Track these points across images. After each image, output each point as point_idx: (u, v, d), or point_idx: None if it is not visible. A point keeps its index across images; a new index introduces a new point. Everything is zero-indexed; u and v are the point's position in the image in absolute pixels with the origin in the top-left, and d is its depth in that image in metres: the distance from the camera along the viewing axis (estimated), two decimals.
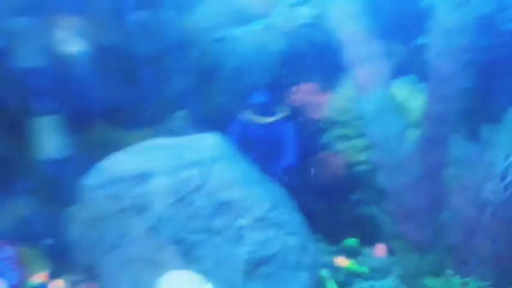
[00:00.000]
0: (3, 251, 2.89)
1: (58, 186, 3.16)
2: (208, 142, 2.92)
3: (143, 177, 2.75)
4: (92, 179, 2.86)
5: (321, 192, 3.87)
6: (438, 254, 2.64)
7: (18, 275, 2.86)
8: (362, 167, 3.78)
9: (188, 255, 2.60)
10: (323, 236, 3.66)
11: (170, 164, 2.77)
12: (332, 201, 3.87)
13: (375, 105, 2.72)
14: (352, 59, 2.85)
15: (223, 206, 2.70)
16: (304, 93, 4.07)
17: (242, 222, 2.67)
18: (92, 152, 3.15)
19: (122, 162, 2.84)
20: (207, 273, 2.41)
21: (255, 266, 2.60)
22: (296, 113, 4.05)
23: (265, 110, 3.71)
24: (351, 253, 3.45)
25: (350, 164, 3.89)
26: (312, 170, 3.88)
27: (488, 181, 2.36)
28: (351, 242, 3.49)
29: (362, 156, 3.78)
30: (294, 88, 4.09)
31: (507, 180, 2.32)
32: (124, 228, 2.68)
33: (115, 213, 2.71)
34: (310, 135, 3.99)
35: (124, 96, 3.64)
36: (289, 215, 2.83)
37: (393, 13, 3.86)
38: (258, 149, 3.71)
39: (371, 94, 2.75)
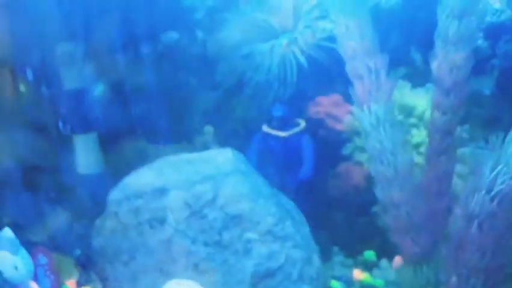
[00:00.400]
0: (39, 258, 3.16)
1: (91, 200, 3.44)
2: (222, 157, 3.08)
3: (161, 191, 2.96)
4: (116, 194, 3.11)
5: (341, 204, 3.93)
6: (433, 267, 2.66)
7: (51, 281, 3.13)
8: None
9: (199, 268, 2.77)
10: (341, 248, 3.73)
11: (185, 178, 2.97)
12: (351, 213, 3.91)
13: (373, 118, 2.78)
14: (352, 72, 2.93)
15: (233, 220, 2.86)
16: (326, 105, 4.14)
17: (250, 235, 2.81)
18: (124, 168, 3.40)
19: (143, 178, 3.07)
20: (215, 286, 2.57)
21: (261, 279, 2.73)
22: (318, 125, 4.12)
23: (284, 124, 3.81)
24: (368, 266, 3.50)
25: (370, 175, 3.92)
26: (332, 181, 3.93)
27: (476, 192, 2.36)
28: (369, 254, 3.53)
29: None
30: (316, 100, 4.17)
31: (493, 192, 2.31)
32: (142, 240, 2.90)
33: (134, 226, 2.93)
34: (332, 146, 4.05)
35: (153, 114, 3.88)
36: (295, 229, 2.93)
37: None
38: (277, 162, 3.82)
39: (369, 108, 2.81)
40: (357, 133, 3.87)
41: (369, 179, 3.84)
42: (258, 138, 3.86)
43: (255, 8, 4.32)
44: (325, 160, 3.99)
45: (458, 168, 3.25)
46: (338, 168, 3.92)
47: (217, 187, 2.90)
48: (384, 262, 3.46)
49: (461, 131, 3.91)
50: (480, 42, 3.98)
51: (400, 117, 3.91)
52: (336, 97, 4.10)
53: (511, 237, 2.36)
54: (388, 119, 2.82)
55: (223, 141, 4.11)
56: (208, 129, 4.14)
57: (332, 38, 4.17)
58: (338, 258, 3.59)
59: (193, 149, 3.91)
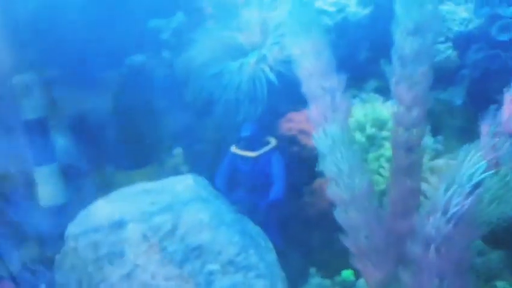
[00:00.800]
0: None
1: (54, 234, 3.37)
2: (182, 185, 3.00)
3: (118, 225, 2.88)
4: (74, 228, 3.02)
5: (317, 222, 3.86)
6: None
7: None
8: None
9: None
10: (318, 269, 3.66)
11: (143, 210, 2.88)
12: (328, 231, 3.84)
13: (328, 141, 2.72)
14: (307, 94, 2.87)
15: (194, 251, 2.78)
16: (298, 121, 4.08)
17: (211, 267, 2.74)
18: (92, 197, 3.34)
19: (99, 211, 2.98)
20: None
21: None
22: (291, 142, 4.07)
23: (253, 144, 3.74)
24: (346, 286, 3.44)
25: None
26: (307, 199, 3.87)
27: (431, 214, 2.29)
28: (347, 274, 3.45)
29: None
30: (287, 116, 4.12)
31: (449, 214, 2.24)
32: (102, 276, 2.82)
33: (93, 261, 2.84)
34: (306, 163, 3.99)
35: (120, 139, 3.83)
36: (259, 257, 2.86)
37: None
38: (248, 183, 3.75)
39: (324, 129, 2.75)
40: None
41: None
42: (227, 159, 3.79)
43: (222, 27, 4.27)
44: (299, 177, 3.93)
45: (433, 180, 3.20)
46: (312, 185, 3.85)
47: (176, 217, 2.83)
48: (362, 281, 3.39)
49: (435, 142, 3.88)
50: (449, 52, 3.94)
51: (373, 130, 3.87)
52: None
53: (470, 261, 2.29)
54: (344, 140, 2.76)
55: (194, 163, 4.04)
56: (178, 151, 4.08)
57: None
58: (315, 280, 3.51)
59: (163, 172, 3.86)
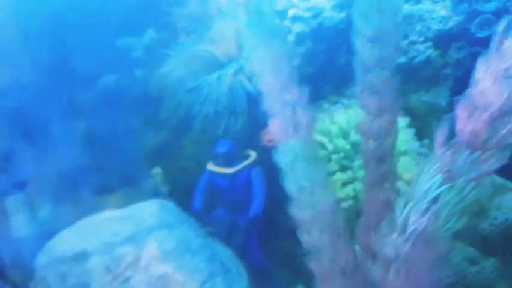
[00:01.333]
0: None
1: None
2: (146, 212, 2.92)
3: (82, 256, 2.81)
4: (43, 258, 2.95)
5: None
6: None
7: None
8: (346, 204, 3.63)
9: None
10: (306, 285, 3.54)
11: (105, 241, 2.80)
12: None
13: (289, 156, 2.60)
14: (268, 109, 2.76)
15: (158, 281, 2.68)
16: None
17: None
18: (69, 224, 3.27)
19: (64, 242, 2.92)
20: None
21: None
22: (272, 154, 3.95)
23: (230, 159, 3.64)
24: None
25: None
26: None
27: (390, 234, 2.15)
28: None
29: (342, 193, 3.64)
30: (267, 128, 4.00)
31: (407, 233, 2.10)
32: None
33: None
34: None
35: (95, 163, 3.75)
36: (227, 284, 2.75)
37: None
38: (227, 201, 3.66)
39: (285, 145, 2.63)
40: None
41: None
42: (204, 177, 3.70)
43: (195, 40, 4.19)
44: (282, 191, 3.82)
45: None
46: None
47: (139, 247, 2.74)
48: None
49: (421, 146, 3.73)
50: (430, 52, 3.79)
51: (357, 137, 3.74)
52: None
53: (432, 282, 2.14)
54: (306, 155, 2.63)
55: (174, 182, 3.96)
56: (157, 171, 3.99)
57: None
58: None
59: (142, 194, 3.77)
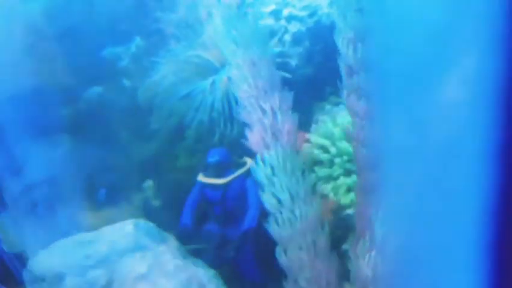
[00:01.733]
0: None
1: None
2: (120, 233, 2.78)
3: (59, 277, 2.73)
4: (27, 274, 2.89)
5: None
6: None
7: None
8: (350, 211, 3.40)
9: None
10: None
11: (79, 263, 2.70)
12: None
13: (267, 168, 2.38)
14: (245, 118, 2.55)
15: None
16: None
17: None
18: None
19: (43, 261, 2.85)
20: None
21: None
22: None
23: (222, 169, 3.43)
24: None
25: (338, 207, 3.50)
26: None
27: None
28: None
29: (347, 199, 3.41)
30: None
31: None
32: None
33: None
34: None
35: (83, 178, 3.62)
36: None
37: None
38: (218, 214, 3.45)
39: (263, 156, 2.41)
40: (318, 162, 3.46)
41: (337, 213, 3.40)
42: (194, 190, 3.50)
43: (186, 46, 4.01)
44: None
45: None
46: None
47: (111, 271, 2.60)
48: None
49: None
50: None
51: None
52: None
53: None
54: (286, 167, 2.40)
55: (166, 195, 3.78)
56: (148, 184, 3.82)
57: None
58: None
59: (133, 209, 3.62)
